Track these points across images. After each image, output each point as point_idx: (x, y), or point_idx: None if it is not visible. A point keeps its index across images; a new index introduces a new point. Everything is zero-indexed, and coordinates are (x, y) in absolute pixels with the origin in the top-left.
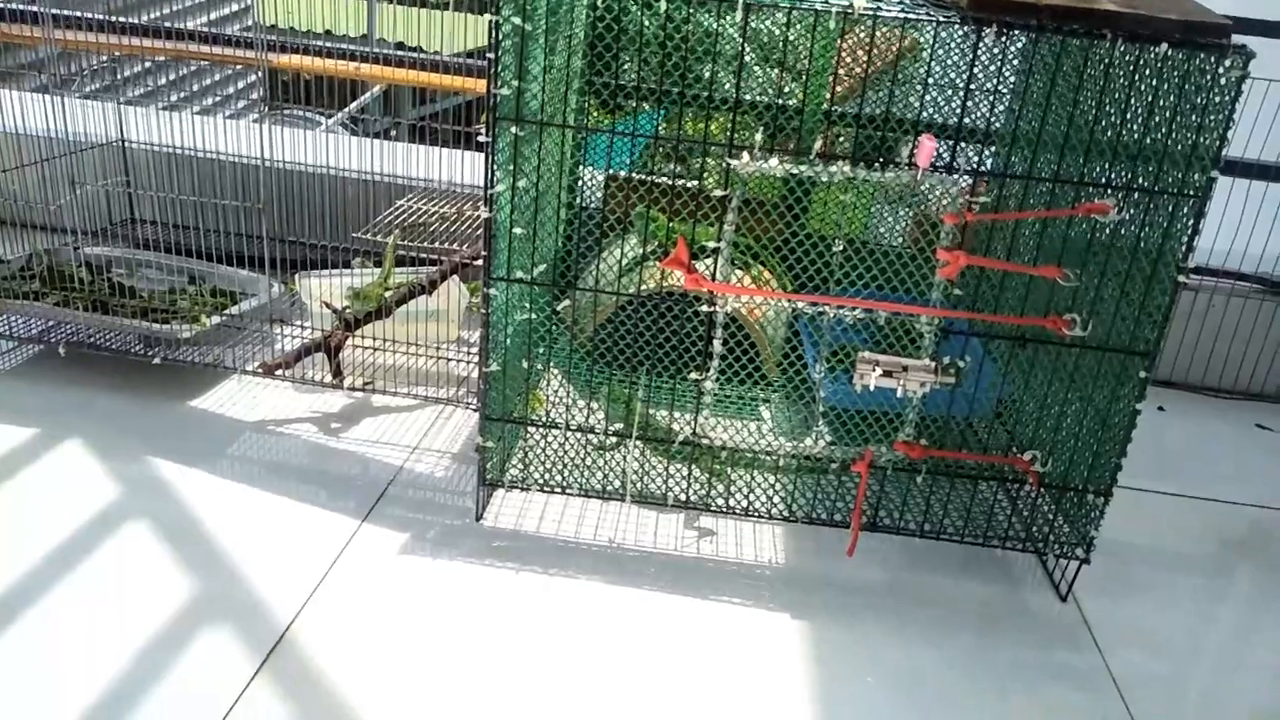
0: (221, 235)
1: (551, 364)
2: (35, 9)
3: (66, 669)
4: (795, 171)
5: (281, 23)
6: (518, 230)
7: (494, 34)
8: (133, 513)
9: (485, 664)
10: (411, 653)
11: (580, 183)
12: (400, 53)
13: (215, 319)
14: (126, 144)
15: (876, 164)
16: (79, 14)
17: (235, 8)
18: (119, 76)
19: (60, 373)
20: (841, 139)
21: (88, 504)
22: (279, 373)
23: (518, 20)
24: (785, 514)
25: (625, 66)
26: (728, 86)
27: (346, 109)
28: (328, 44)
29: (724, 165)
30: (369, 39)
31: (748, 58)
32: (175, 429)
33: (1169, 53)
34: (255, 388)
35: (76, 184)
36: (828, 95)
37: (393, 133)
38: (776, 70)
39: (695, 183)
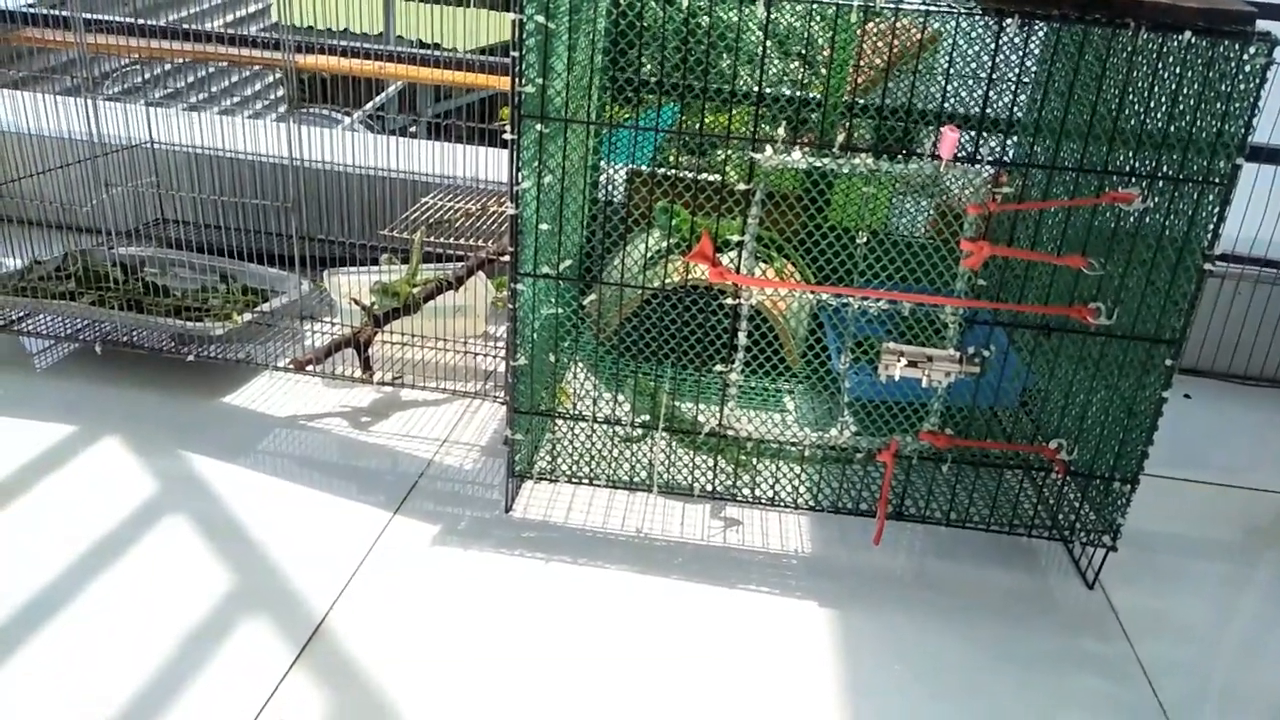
0: (249, 234)
1: (577, 357)
2: (66, 13)
3: (108, 661)
4: (819, 165)
5: (300, 22)
6: (543, 226)
7: (518, 32)
8: (169, 507)
9: (518, 653)
10: (445, 642)
11: (602, 177)
12: (421, 50)
13: (246, 316)
14: (155, 145)
15: (900, 156)
16: (106, 18)
17: (254, 8)
18: (144, 78)
19: (96, 370)
20: (862, 130)
21: (126, 499)
22: (309, 368)
23: (541, 19)
24: (811, 504)
25: (646, 62)
26: (745, 79)
27: (366, 107)
28: (351, 43)
29: (746, 159)
30: (386, 36)
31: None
32: (209, 424)
33: (1192, 41)
34: (286, 383)
35: (110, 186)
36: (848, 87)
37: (411, 129)
38: (797, 63)
39: (718, 177)
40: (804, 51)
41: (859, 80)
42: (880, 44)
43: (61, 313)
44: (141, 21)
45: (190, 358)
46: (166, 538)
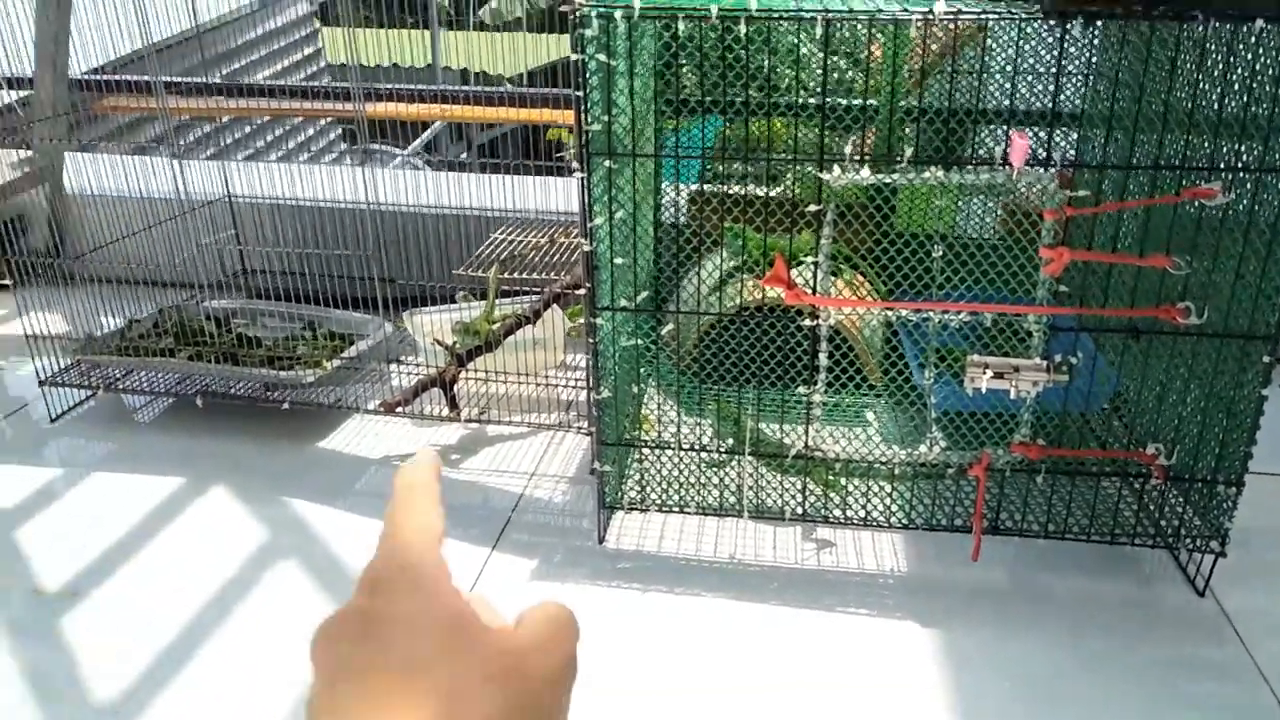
0: (329, 279)
1: (657, 385)
2: (148, 78)
3: (232, 706)
4: (889, 180)
5: (350, 60)
6: (619, 260)
7: (580, 73)
8: (276, 553)
9: (621, 686)
10: None
11: (665, 199)
12: (482, 89)
13: (335, 362)
14: (232, 199)
15: (971, 166)
16: (184, 80)
17: (303, 54)
18: (224, 138)
19: (195, 422)
20: (926, 136)
21: (234, 546)
22: (399, 410)
23: (603, 57)
24: (904, 521)
25: (699, 82)
26: (793, 88)
27: (415, 143)
28: (414, 87)
29: (815, 179)
30: (434, 68)
31: (816, 62)
32: (307, 469)
33: (1265, 28)
34: (376, 425)
35: (198, 242)
36: (905, 94)
37: (464, 155)
38: (857, 74)
39: (788, 196)
40: (852, 53)
41: (910, 84)
42: (933, 46)
43: (161, 369)
44: (217, 82)
45: (285, 405)
46: (275, 583)
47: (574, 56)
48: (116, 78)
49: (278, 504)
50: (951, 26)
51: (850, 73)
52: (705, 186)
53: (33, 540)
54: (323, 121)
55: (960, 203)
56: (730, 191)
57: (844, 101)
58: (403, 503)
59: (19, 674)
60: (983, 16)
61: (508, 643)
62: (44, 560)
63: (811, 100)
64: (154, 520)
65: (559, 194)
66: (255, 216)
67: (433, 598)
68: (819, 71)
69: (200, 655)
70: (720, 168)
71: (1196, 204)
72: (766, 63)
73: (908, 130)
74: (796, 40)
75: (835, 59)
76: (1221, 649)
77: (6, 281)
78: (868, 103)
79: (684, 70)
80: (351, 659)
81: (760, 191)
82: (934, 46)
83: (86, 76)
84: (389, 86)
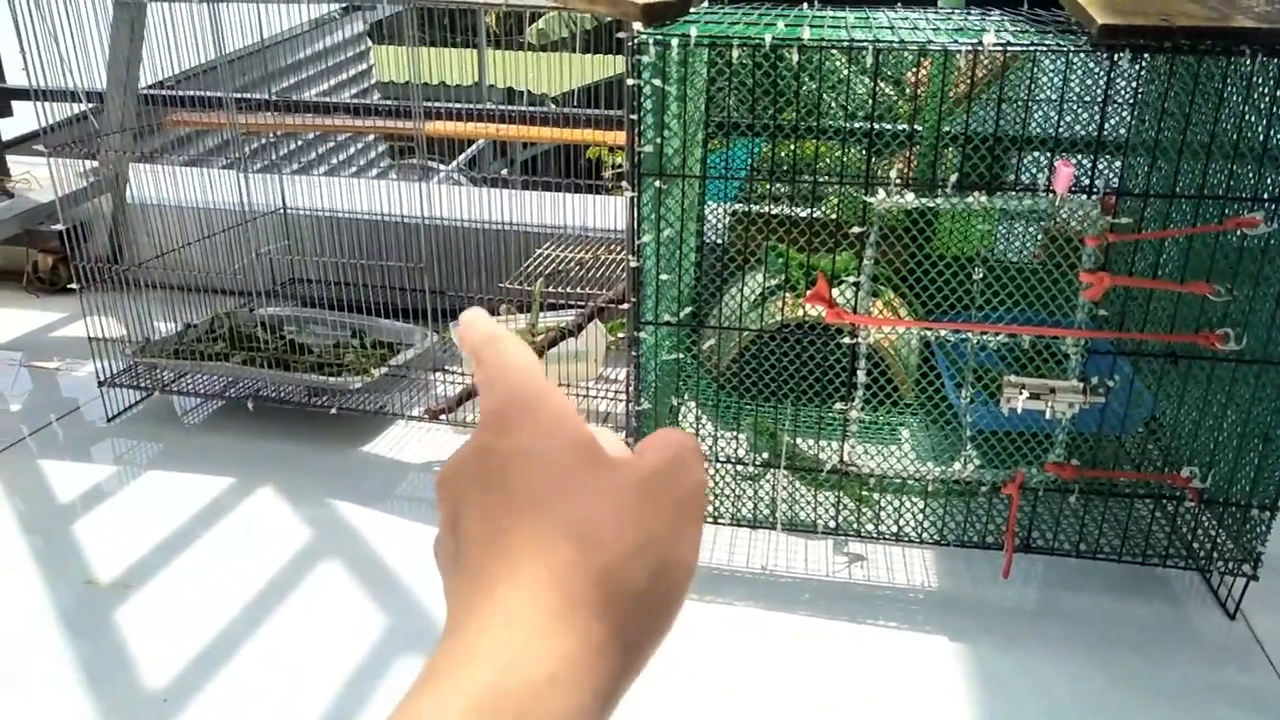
0: (375, 289)
1: (694, 399)
2: (211, 94)
3: (275, 698)
4: (932, 205)
5: (399, 79)
6: (664, 277)
7: (634, 97)
8: (320, 552)
9: (650, 689)
10: None
11: (710, 217)
12: (534, 109)
13: (382, 369)
14: (286, 210)
15: (1014, 192)
16: (248, 96)
17: (354, 71)
18: (277, 151)
19: (242, 425)
20: (970, 162)
21: (280, 544)
22: (442, 416)
23: (657, 82)
24: (936, 538)
25: (746, 106)
26: (838, 114)
27: (459, 158)
28: (468, 106)
29: (860, 201)
30: (480, 87)
31: (863, 87)
32: (352, 472)
33: None
34: (419, 431)
35: (256, 251)
36: (949, 119)
37: (504, 171)
38: (901, 100)
39: (830, 217)
40: (896, 78)
41: (953, 104)
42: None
43: (215, 372)
44: (284, 99)
45: (333, 410)
46: (319, 581)
47: (630, 82)
48: (184, 93)
49: (323, 505)
50: (998, 56)
51: (895, 98)
52: (747, 207)
53: (87, 534)
54: (371, 137)
55: (1000, 227)
56: (773, 212)
57: (889, 126)
58: (492, 345)
59: (72, 661)
60: (1032, 48)
61: (634, 474)
62: (98, 553)
63: (857, 125)
64: (204, 517)
65: (597, 211)
66: (316, 227)
67: (555, 431)
68: (859, 96)
69: (246, 648)
70: (758, 189)
71: (1239, 233)
72: (818, 87)
73: (949, 154)
74: (844, 67)
75: (880, 85)
76: (1251, 672)
77: (73, 286)
78: (912, 128)
79: (730, 94)
80: (475, 497)
81: (801, 212)
82: (980, 73)
83: (152, 91)
84: (444, 105)
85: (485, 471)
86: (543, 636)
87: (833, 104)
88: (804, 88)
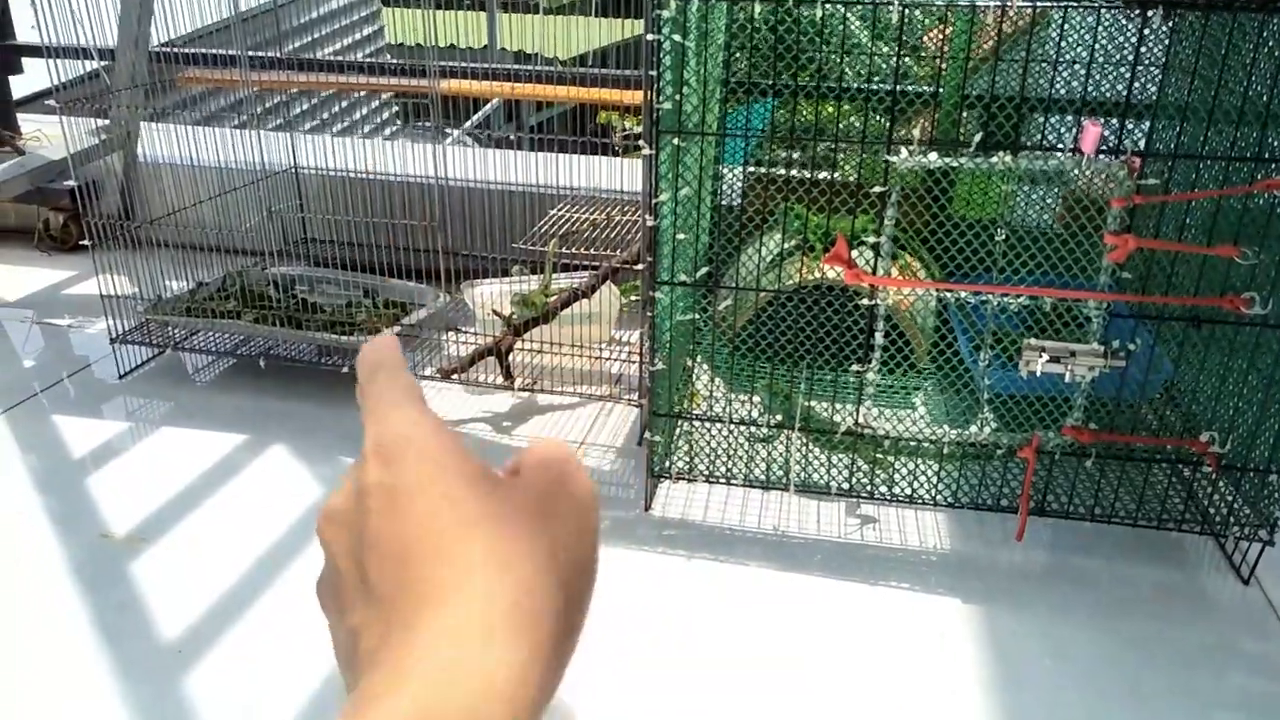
0: (387, 249)
1: (709, 360)
2: (225, 52)
3: (288, 649)
4: (955, 165)
5: (409, 41)
6: (681, 236)
7: (654, 52)
8: None
9: (665, 648)
10: (595, 641)
11: (726, 177)
12: (548, 69)
13: (394, 329)
14: (297, 170)
15: (1039, 152)
16: (263, 54)
17: (364, 33)
18: (266, 104)
19: (253, 383)
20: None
21: (292, 500)
22: (454, 376)
23: (678, 38)
24: (950, 500)
25: (763, 65)
26: (855, 76)
27: (472, 119)
28: (483, 65)
29: (882, 162)
30: (490, 50)
31: (888, 47)
32: (361, 430)
33: None
34: (430, 390)
35: (272, 210)
36: (972, 78)
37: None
38: (921, 64)
39: (847, 179)
40: (917, 47)
41: (976, 61)
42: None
43: (226, 330)
44: (298, 57)
45: (344, 369)
46: None
47: (649, 36)
48: (195, 50)
49: (334, 462)
50: (1027, 13)
51: (911, 65)
52: (764, 168)
53: (101, 489)
54: (384, 97)
55: (1020, 190)
56: (791, 174)
57: (911, 87)
58: (374, 379)
59: (88, 613)
60: (1061, 3)
61: (528, 491)
62: (112, 508)
63: (880, 85)
64: (216, 473)
65: (606, 173)
66: (329, 186)
67: (445, 460)
68: (876, 57)
69: (258, 602)
70: (772, 151)
71: (1268, 196)
72: (841, 44)
73: (970, 117)
74: (861, 31)
75: (892, 44)
76: (1266, 638)
77: (85, 243)
78: (938, 87)
79: (744, 53)
80: (371, 534)
81: (818, 174)
82: (1007, 29)
83: (164, 49)
84: (458, 65)
85: (377, 508)
86: (472, 658)
87: (850, 66)
88: (824, 48)
